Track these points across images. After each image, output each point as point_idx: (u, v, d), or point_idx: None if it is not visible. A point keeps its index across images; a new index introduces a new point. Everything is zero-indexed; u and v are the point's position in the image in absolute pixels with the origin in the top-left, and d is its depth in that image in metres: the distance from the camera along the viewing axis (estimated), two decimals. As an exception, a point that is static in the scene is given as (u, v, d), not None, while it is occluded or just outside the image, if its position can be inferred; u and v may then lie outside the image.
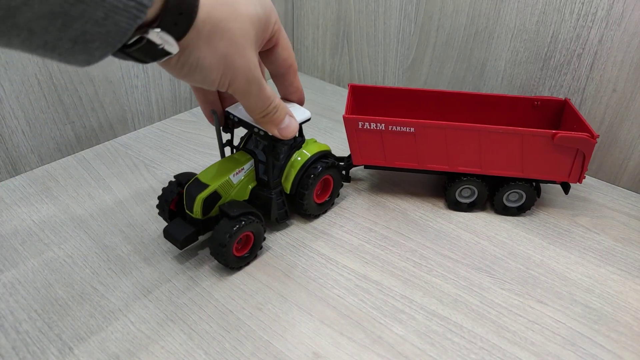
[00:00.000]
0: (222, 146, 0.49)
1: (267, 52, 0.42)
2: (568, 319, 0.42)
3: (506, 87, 0.67)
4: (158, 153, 0.66)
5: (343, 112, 0.53)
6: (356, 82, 0.85)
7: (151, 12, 0.28)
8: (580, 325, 0.42)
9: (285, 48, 0.42)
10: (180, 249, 0.47)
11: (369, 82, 0.84)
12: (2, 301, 0.42)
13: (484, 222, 0.54)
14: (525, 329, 0.41)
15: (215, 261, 0.47)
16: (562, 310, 0.43)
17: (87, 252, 0.48)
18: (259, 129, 0.44)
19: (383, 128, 0.51)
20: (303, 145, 0.51)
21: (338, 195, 0.55)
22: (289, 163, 0.50)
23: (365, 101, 0.61)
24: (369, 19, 0.78)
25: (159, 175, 0.61)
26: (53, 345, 0.39)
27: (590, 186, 0.62)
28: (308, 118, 0.47)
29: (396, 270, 0.47)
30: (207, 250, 0.48)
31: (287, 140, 0.45)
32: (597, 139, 0.48)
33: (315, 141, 0.53)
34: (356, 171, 0.63)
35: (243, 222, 0.44)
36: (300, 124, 0.47)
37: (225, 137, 0.49)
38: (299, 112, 0.46)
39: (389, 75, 0.80)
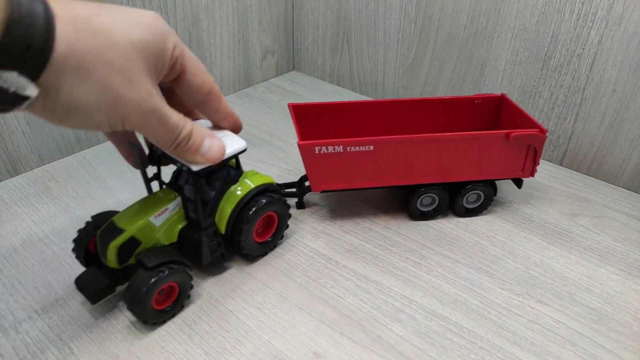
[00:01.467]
0: (147, 182, 0.42)
1: (176, 82, 0.36)
2: (568, 319, 0.42)
3: (506, 87, 0.67)
4: (158, 153, 0.65)
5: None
6: (356, 83, 0.85)
7: None
8: (580, 325, 0.42)
9: (197, 74, 0.36)
10: (93, 304, 0.41)
11: (369, 82, 0.84)
12: (2, 301, 0.42)
13: (484, 222, 0.54)
14: (525, 329, 0.41)
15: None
16: (562, 310, 0.43)
17: (87, 252, 0.48)
18: (182, 164, 0.38)
19: (342, 150, 0.47)
20: (241, 178, 0.45)
21: (282, 237, 0.49)
22: (224, 199, 0.43)
23: (310, 120, 0.56)
24: (369, 19, 0.78)
25: (159, 175, 0.61)
26: (53, 345, 0.39)
27: (590, 186, 0.62)
28: (242, 149, 0.40)
29: (396, 270, 0.47)
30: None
31: (218, 168, 0.37)
32: (546, 134, 0.49)
33: (257, 172, 0.46)
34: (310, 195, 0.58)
35: (163, 273, 0.38)
36: (236, 155, 0.41)
37: (153, 170, 0.43)
38: (231, 142, 0.40)
39: (389, 75, 0.80)
